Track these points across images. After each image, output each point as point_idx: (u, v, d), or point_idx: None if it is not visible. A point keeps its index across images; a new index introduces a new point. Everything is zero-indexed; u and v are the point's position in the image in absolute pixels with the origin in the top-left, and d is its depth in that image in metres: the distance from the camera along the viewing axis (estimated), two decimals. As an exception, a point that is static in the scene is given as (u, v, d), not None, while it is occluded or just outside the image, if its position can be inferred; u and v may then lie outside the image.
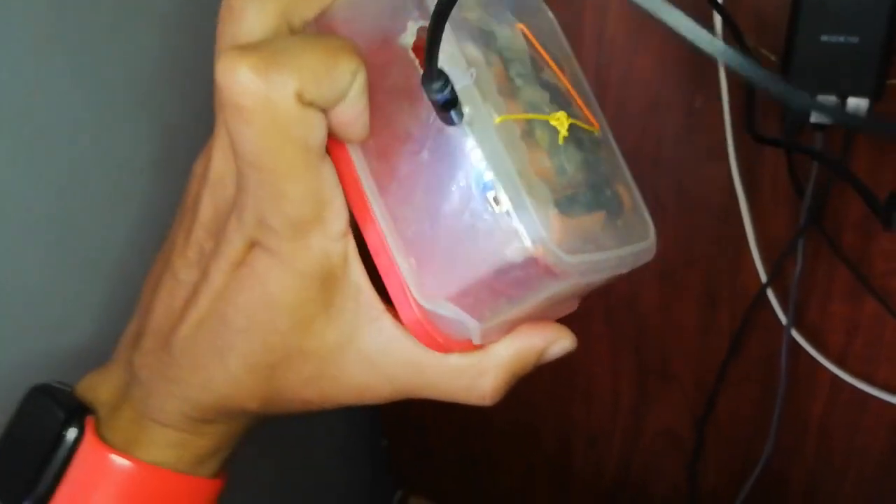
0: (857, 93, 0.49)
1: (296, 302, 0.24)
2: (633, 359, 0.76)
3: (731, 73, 0.54)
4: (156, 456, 0.28)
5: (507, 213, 0.21)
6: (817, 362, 0.63)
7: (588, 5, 0.59)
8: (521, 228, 0.21)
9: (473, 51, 0.22)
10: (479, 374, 0.26)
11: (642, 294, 0.71)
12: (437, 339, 0.24)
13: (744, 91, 0.55)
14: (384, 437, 1.04)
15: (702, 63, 0.55)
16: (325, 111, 0.21)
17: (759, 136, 0.51)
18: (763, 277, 0.62)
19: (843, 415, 0.67)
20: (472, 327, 0.23)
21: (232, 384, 0.26)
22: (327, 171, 0.23)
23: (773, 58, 0.53)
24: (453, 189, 0.21)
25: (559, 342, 0.28)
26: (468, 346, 0.25)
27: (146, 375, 0.28)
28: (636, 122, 0.62)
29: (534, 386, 0.85)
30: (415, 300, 0.23)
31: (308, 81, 0.20)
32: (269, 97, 0.20)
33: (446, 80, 0.21)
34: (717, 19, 0.52)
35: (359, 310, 0.25)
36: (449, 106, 0.21)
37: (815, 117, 0.51)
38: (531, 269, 0.21)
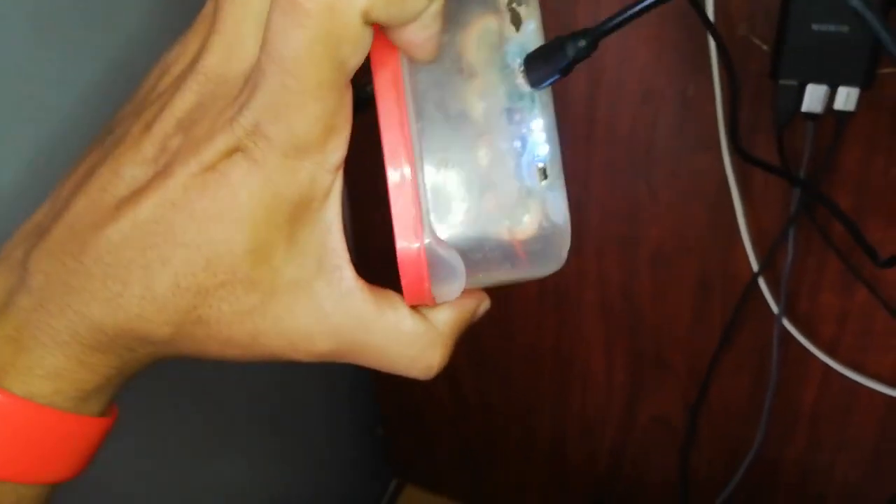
0: (847, 82, 0.49)
1: (262, 222, 0.22)
2: (627, 347, 0.76)
3: (722, 62, 0.54)
4: (31, 387, 0.23)
5: (548, 187, 0.22)
6: (808, 352, 0.64)
7: (582, -7, 0.59)
8: (556, 206, 0.22)
9: None
10: (429, 343, 0.25)
11: (636, 282, 0.71)
12: (421, 278, 0.22)
13: (730, 106, 0.55)
14: (380, 426, 1.05)
15: (694, 52, 0.55)
16: (392, 28, 0.21)
17: (746, 153, 0.51)
18: (755, 267, 0.62)
19: (834, 404, 0.68)
20: (460, 273, 0.23)
21: (149, 305, 0.23)
22: (348, 99, 0.22)
23: (764, 47, 0.53)
24: (503, 147, 0.22)
25: (484, 303, 0.27)
26: (429, 302, 0.24)
27: (41, 281, 0.23)
28: (630, 111, 0.62)
29: (529, 374, 0.85)
30: (425, 227, 0.22)
31: (379, 1, 0.19)
32: (334, 6, 0.19)
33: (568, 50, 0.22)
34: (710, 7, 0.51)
35: (324, 252, 0.23)
36: (553, 73, 0.22)
37: (806, 106, 0.51)
38: (535, 246, 0.23)
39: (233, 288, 0.22)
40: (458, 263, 0.22)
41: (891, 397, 0.62)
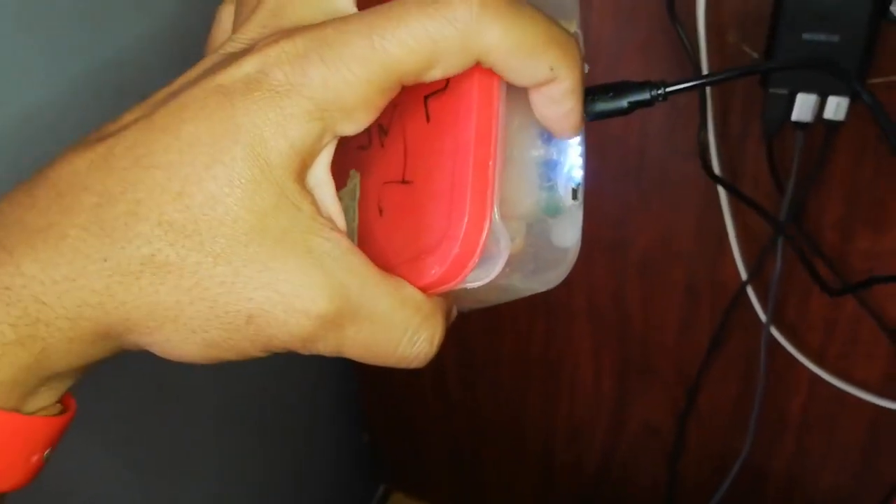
0: (837, 91, 0.49)
1: (256, 156, 0.19)
2: (616, 353, 0.76)
3: (712, 70, 0.54)
4: None
5: (574, 209, 0.24)
6: (796, 360, 0.64)
7: None
8: (577, 226, 0.24)
9: None
10: (432, 312, 0.23)
11: (624, 289, 0.71)
12: (472, 251, 0.22)
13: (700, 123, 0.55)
14: (367, 432, 1.04)
15: (685, 59, 0.55)
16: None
17: (715, 175, 0.52)
18: (743, 274, 0.62)
19: (821, 411, 0.68)
20: (503, 254, 0.22)
21: (97, 245, 0.19)
22: (394, 93, 0.21)
23: (755, 55, 0.53)
24: (546, 163, 0.24)
25: (455, 307, 0.26)
26: (457, 278, 0.23)
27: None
28: (621, 118, 0.62)
29: (518, 380, 0.85)
30: (494, 206, 0.22)
31: (502, 49, 0.20)
32: (469, 30, 0.19)
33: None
34: (701, 22, 0.51)
35: (318, 210, 0.21)
36: (615, 110, 0.24)
37: (795, 115, 0.51)
38: (540, 261, 0.24)
39: (212, 230, 0.19)
40: (506, 248, 0.22)
41: (877, 405, 0.62)
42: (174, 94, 0.20)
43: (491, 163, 0.22)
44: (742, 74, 0.25)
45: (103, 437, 0.54)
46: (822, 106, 0.50)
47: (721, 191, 0.59)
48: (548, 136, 0.24)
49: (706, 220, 0.63)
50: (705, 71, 0.54)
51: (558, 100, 0.22)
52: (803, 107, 0.50)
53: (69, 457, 0.50)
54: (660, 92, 0.24)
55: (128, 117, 0.21)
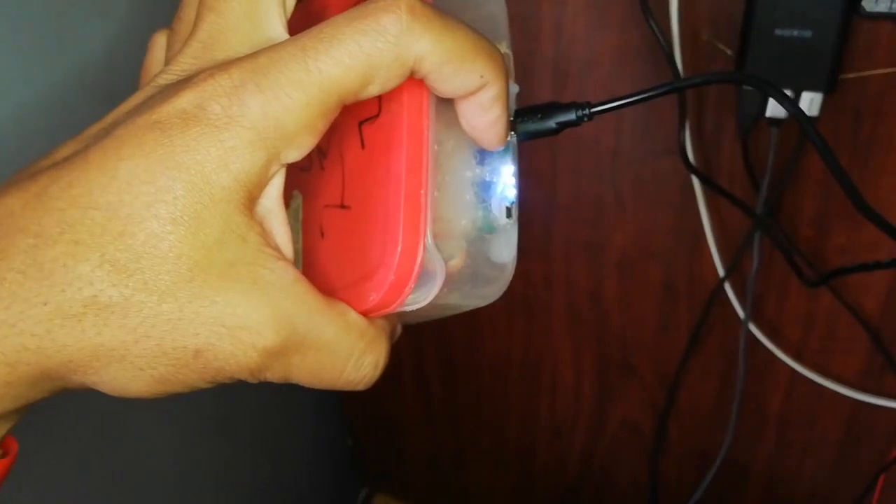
0: (811, 87, 0.49)
1: (198, 191, 0.19)
2: (595, 352, 0.76)
3: (687, 68, 0.54)
4: None
5: (509, 227, 0.25)
6: (774, 356, 0.64)
7: (545, -3, 0.58)
8: (513, 243, 0.25)
9: None
10: (376, 336, 0.23)
11: (603, 288, 0.71)
12: (407, 277, 0.23)
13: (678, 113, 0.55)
14: (349, 435, 1.03)
15: (659, 56, 0.55)
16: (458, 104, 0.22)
17: (692, 166, 0.51)
18: (721, 271, 0.62)
19: (801, 407, 0.68)
20: (439, 277, 0.23)
21: (34, 286, 0.18)
22: (336, 113, 0.21)
23: (728, 51, 0.53)
24: (480, 184, 0.25)
25: (398, 326, 0.26)
26: (394, 304, 0.24)
27: None
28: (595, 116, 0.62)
29: (499, 381, 0.84)
30: (427, 231, 0.23)
31: (434, 57, 0.20)
32: (400, 43, 0.19)
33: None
34: (674, 19, 0.51)
35: (266, 240, 0.21)
36: (535, 134, 0.25)
37: (770, 112, 0.51)
38: (478, 278, 0.25)
39: (155, 268, 0.19)
40: (442, 270, 0.23)
41: (855, 399, 0.63)
42: (108, 131, 0.20)
43: (422, 191, 0.22)
44: (663, 93, 0.26)
45: (67, 445, 0.53)
46: (796, 101, 0.50)
47: (697, 188, 0.59)
48: (481, 158, 0.25)
49: (682, 218, 0.63)
50: (680, 68, 0.53)
51: (487, 107, 0.22)
52: (777, 103, 0.50)
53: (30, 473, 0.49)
54: (585, 112, 0.25)
55: (60, 153, 0.20)
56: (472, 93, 0.22)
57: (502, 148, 0.24)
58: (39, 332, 0.18)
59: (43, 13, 0.42)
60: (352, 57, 0.19)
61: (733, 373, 0.67)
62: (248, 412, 0.77)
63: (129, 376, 0.20)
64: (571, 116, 0.25)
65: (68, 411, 0.51)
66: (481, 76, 0.21)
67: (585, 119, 0.26)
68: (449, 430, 0.94)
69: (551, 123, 0.25)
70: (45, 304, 0.18)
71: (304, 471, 0.94)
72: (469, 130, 0.23)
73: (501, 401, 0.86)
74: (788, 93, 0.50)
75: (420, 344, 0.87)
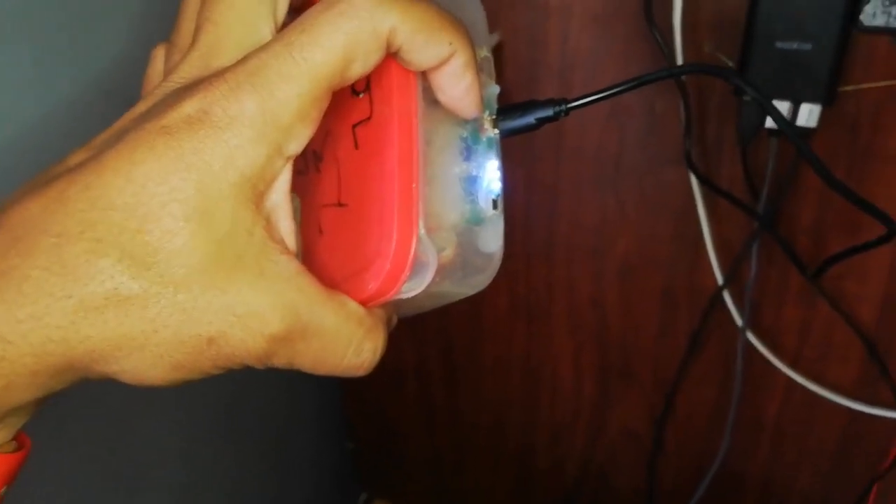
0: (809, 99, 0.50)
1: (209, 189, 0.20)
2: (595, 358, 0.77)
3: (689, 81, 0.55)
4: None
5: (495, 218, 0.27)
6: (771, 364, 0.65)
7: (553, 10, 0.60)
8: (499, 233, 0.27)
9: None
10: (374, 324, 0.25)
11: (604, 294, 0.72)
12: (402, 266, 0.24)
13: (685, 112, 0.56)
14: (350, 440, 1.04)
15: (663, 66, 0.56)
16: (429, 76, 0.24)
17: (695, 168, 0.52)
18: (720, 279, 0.63)
19: (797, 414, 0.69)
20: (432, 265, 0.25)
21: (58, 281, 0.20)
22: (328, 100, 0.23)
23: (730, 63, 0.54)
24: (470, 175, 0.27)
25: (394, 316, 0.28)
26: (390, 293, 0.25)
27: None
28: (598, 125, 0.63)
29: (499, 385, 0.85)
30: (420, 222, 0.24)
31: (406, 27, 0.22)
32: (375, 15, 0.21)
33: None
34: (678, 35, 0.52)
35: (272, 234, 0.22)
36: (524, 126, 0.27)
37: (769, 123, 0.52)
38: (468, 267, 0.26)
39: (171, 261, 0.20)
40: (434, 259, 0.24)
41: (851, 409, 0.63)
42: (118, 137, 0.21)
43: (414, 185, 0.24)
44: (636, 85, 0.29)
45: (75, 450, 0.54)
46: (795, 113, 0.51)
47: (698, 197, 0.60)
48: (467, 154, 0.27)
49: (683, 226, 0.64)
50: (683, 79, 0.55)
51: (460, 74, 0.24)
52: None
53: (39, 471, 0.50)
54: (562, 108, 0.27)
55: (72, 159, 0.22)
56: (445, 61, 0.23)
57: (478, 114, 0.26)
58: (65, 324, 0.20)
59: (62, 21, 0.43)
60: (331, 40, 0.21)
61: (730, 380, 0.68)
62: (250, 417, 0.78)
63: (148, 364, 0.21)
64: (549, 112, 0.27)
65: (76, 417, 0.52)
66: (450, 43, 0.23)
67: (563, 115, 0.27)
68: (449, 435, 0.95)
69: (531, 119, 0.27)
70: (70, 298, 0.20)
71: (305, 474, 0.94)
72: (447, 102, 0.25)
73: (501, 405, 0.87)
74: (787, 104, 0.51)
75: (421, 349, 0.88)
